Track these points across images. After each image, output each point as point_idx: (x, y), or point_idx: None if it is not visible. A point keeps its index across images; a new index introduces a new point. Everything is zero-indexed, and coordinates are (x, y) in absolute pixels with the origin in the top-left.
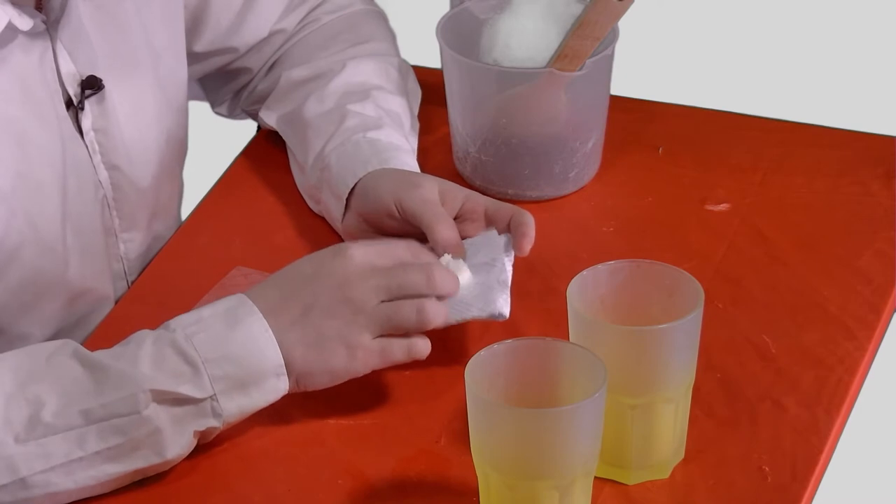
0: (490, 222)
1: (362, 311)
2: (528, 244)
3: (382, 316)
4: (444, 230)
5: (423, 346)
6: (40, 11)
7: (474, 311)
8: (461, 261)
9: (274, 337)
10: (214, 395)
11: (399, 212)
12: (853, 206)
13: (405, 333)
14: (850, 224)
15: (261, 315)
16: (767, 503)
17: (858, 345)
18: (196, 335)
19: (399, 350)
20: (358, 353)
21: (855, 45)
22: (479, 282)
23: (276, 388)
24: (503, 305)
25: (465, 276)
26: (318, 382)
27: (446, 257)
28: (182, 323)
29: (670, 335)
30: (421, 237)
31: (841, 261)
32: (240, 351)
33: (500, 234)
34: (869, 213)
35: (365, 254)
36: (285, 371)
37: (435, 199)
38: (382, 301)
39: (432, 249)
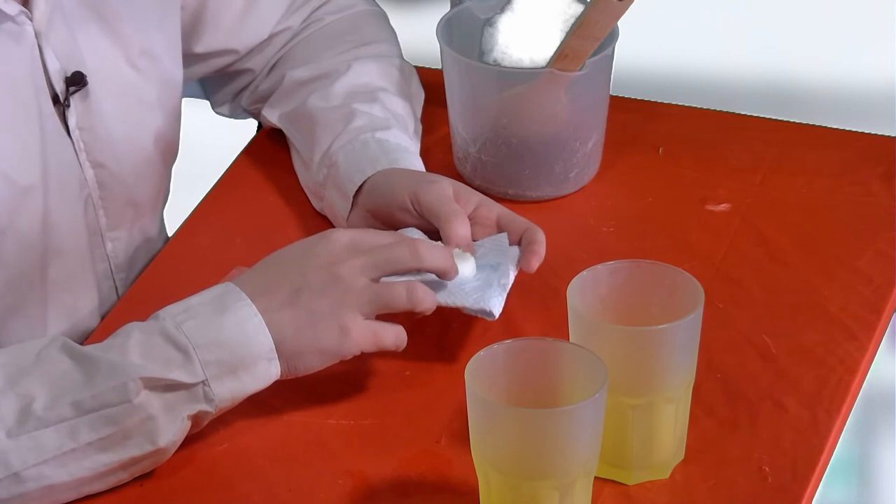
0: (501, 232)
1: (352, 289)
2: (537, 262)
3: (373, 295)
4: (459, 226)
5: (404, 337)
6: (25, 7)
7: (467, 301)
8: (468, 254)
9: (263, 321)
10: (206, 379)
11: (414, 206)
12: (853, 206)
13: (394, 317)
14: (850, 224)
15: (249, 301)
16: (767, 503)
17: (859, 345)
18: (185, 322)
19: (390, 335)
20: (350, 331)
21: (855, 45)
22: (480, 277)
23: (268, 372)
24: (496, 305)
25: (469, 267)
26: (310, 364)
27: (455, 249)
28: (170, 312)
29: (670, 335)
30: (432, 235)
31: (841, 261)
32: (230, 336)
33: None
34: (869, 213)
35: (349, 235)
36: (276, 355)
37: (451, 195)
38: (372, 280)
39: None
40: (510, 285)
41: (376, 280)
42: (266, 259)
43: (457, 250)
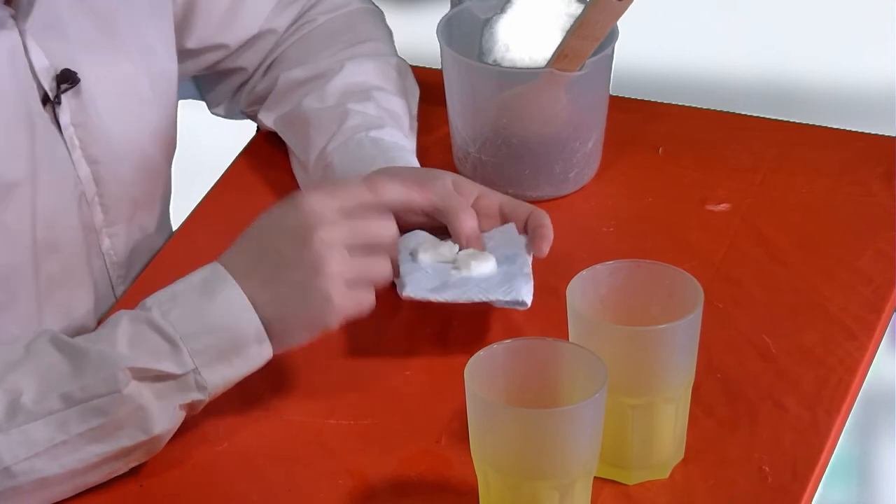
0: (505, 221)
1: (332, 258)
2: (547, 246)
3: (357, 268)
4: (467, 219)
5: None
6: (9, 5)
7: (498, 294)
8: (487, 252)
9: (251, 305)
10: (196, 368)
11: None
12: (853, 206)
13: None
14: (850, 224)
15: (235, 283)
16: (767, 503)
17: (859, 345)
18: (171, 311)
19: (368, 300)
20: (333, 299)
21: (855, 45)
22: (501, 271)
23: (260, 354)
24: (526, 294)
25: (490, 265)
26: (298, 339)
27: (470, 250)
28: (157, 300)
29: (670, 335)
30: (436, 230)
31: (841, 261)
32: (217, 322)
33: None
34: (869, 213)
35: (324, 201)
36: (266, 336)
37: (453, 189)
38: (348, 247)
39: (440, 236)
40: (531, 272)
41: (353, 249)
42: (242, 235)
43: (473, 250)
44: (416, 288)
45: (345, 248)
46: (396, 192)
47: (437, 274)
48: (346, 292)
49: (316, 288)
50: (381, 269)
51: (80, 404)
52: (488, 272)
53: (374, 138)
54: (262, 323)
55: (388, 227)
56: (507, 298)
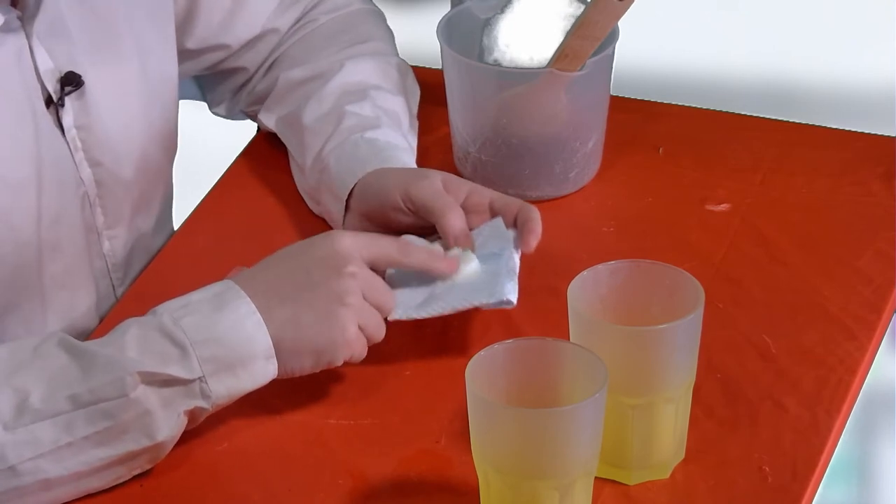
0: (496, 216)
1: (355, 293)
2: (535, 240)
3: (367, 315)
4: (454, 219)
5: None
6: (15, 7)
7: (483, 298)
8: (469, 251)
9: (262, 320)
10: (203, 376)
11: (407, 204)
12: (853, 206)
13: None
14: (850, 224)
15: (248, 299)
16: (767, 503)
17: (859, 345)
18: (183, 318)
19: (364, 349)
20: (348, 331)
21: (855, 45)
22: (486, 270)
23: (266, 371)
24: (511, 292)
25: (473, 265)
26: (304, 365)
27: (455, 249)
28: (169, 308)
29: (670, 335)
30: (427, 230)
31: (841, 261)
32: (227, 334)
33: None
34: (869, 213)
35: (354, 243)
36: (274, 354)
37: (442, 188)
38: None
39: (433, 240)
40: (518, 267)
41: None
42: (268, 258)
43: (457, 250)
44: (401, 310)
45: (360, 294)
46: (421, 259)
47: (422, 285)
48: (356, 331)
49: (336, 315)
50: (381, 325)
51: (87, 406)
52: (472, 275)
53: (369, 139)
54: (274, 341)
55: (391, 302)
56: (492, 301)
